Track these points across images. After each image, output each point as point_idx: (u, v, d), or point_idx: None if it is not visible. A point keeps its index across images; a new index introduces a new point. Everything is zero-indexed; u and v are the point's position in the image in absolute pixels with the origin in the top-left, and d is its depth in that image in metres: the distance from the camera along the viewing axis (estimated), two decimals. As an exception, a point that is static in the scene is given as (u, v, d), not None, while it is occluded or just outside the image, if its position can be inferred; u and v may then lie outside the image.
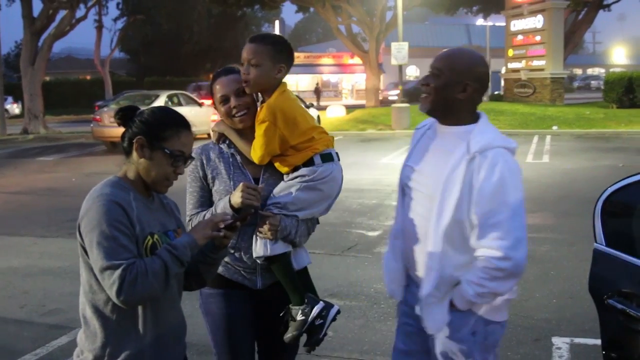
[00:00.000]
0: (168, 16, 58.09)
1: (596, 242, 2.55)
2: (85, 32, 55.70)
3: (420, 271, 2.84)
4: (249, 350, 3.19)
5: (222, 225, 2.51)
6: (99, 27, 49.14)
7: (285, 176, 3.08)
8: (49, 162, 20.11)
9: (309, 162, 3.05)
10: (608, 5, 40.28)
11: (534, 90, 33.51)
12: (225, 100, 3.03)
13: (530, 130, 23.87)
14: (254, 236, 3.00)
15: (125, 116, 2.55)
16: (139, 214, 2.43)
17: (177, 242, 2.44)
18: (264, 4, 41.23)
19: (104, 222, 2.32)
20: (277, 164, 3.07)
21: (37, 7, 32.69)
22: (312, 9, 45.92)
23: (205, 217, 2.92)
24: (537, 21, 33.33)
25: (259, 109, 3.03)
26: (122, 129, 2.56)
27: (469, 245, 2.67)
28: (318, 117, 25.76)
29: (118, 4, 55.24)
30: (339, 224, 9.86)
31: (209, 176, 3.08)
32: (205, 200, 3.10)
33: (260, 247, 2.98)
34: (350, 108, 36.99)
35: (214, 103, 3.13)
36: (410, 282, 2.98)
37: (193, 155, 2.88)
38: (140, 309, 2.45)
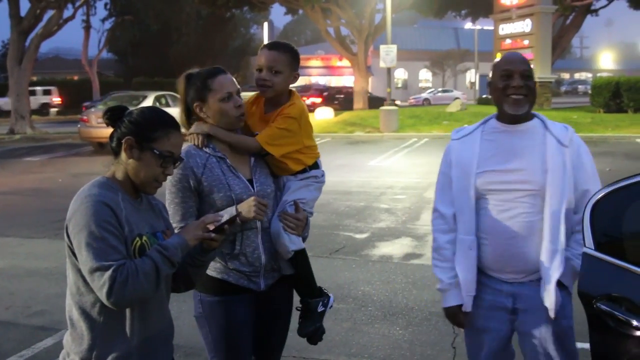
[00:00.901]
0: (156, 17, 57.82)
1: (585, 246, 2.55)
2: (73, 32, 55.54)
3: (518, 267, 2.95)
4: (248, 352, 3.19)
5: (212, 228, 2.50)
6: (87, 27, 49.07)
7: (292, 177, 3.19)
8: (36, 163, 20.00)
9: (314, 165, 3.25)
10: (596, 10, 40.55)
11: (521, 94, 33.57)
12: (229, 97, 3.00)
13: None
14: (280, 233, 3.04)
15: (113, 116, 2.53)
16: (127, 214, 2.41)
17: (168, 243, 2.41)
18: (253, 5, 41.14)
19: (92, 223, 2.29)
20: (289, 163, 3.14)
21: (25, 6, 32.52)
22: (300, 11, 45.87)
23: None
24: (525, 25, 33.51)
25: (286, 106, 3.11)
26: (109, 130, 2.54)
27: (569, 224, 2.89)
28: (306, 119, 25.67)
29: (106, 5, 54.91)
30: (326, 226, 9.84)
31: (203, 184, 2.96)
32: (193, 212, 2.99)
33: (293, 242, 3.05)
34: (339, 110, 36.98)
35: (197, 102, 3.03)
36: (493, 282, 3.05)
37: (184, 166, 2.90)
38: (128, 311, 2.42)
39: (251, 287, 3.08)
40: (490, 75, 3.06)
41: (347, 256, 8.21)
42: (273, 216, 3.10)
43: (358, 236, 9.29)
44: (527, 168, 2.92)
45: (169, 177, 2.82)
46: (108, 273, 2.24)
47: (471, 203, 3.01)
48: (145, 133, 2.47)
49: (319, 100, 42.35)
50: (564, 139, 2.93)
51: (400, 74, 75.37)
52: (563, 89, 75.72)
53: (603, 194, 2.61)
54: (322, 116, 33.83)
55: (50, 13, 32.83)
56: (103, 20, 56.41)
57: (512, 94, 2.93)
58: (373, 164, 17.62)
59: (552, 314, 2.85)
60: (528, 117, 3.00)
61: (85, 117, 22.23)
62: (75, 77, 62.88)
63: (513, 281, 3.00)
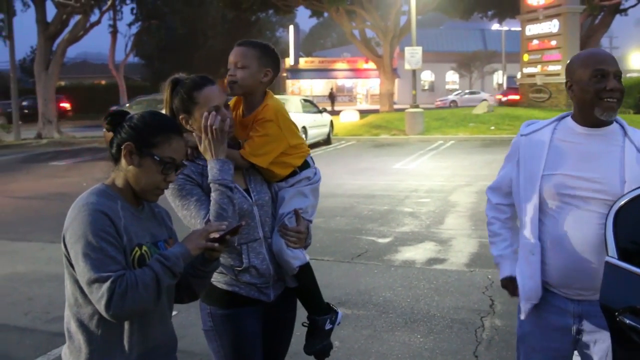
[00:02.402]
0: (182, 21, 58.10)
1: (608, 254, 2.41)
2: (101, 37, 55.96)
3: (584, 284, 2.73)
4: None
5: (216, 236, 2.40)
6: (114, 32, 49.29)
7: (283, 183, 3.02)
8: (61, 167, 20.11)
9: (304, 165, 3.08)
10: (625, 10, 40.02)
11: (549, 95, 33.30)
12: (216, 110, 2.81)
13: (545, 135, 23.54)
14: (282, 250, 2.92)
15: (113, 121, 2.44)
16: (126, 224, 2.31)
17: (169, 253, 2.31)
18: (278, 8, 41.24)
19: (89, 233, 2.20)
20: (275, 169, 2.98)
21: (52, 12, 32.85)
22: (326, 14, 45.86)
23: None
24: (552, 26, 33.17)
25: (260, 110, 2.94)
26: None
27: None
28: (331, 122, 25.61)
29: (132, 9, 55.22)
30: (348, 231, 9.73)
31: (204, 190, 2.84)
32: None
33: (297, 256, 2.94)
34: (364, 113, 36.91)
35: (182, 114, 2.85)
36: (555, 298, 2.84)
37: (184, 175, 2.81)
38: (127, 323, 2.33)
39: (261, 298, 2.98)
40: (571, 72, 2.81)
41: (369, 261, 8.08)
42: (274, 229, 2.98)
43: (381, 241, 9.16)
44: (603, 176, 2.68)
45: (171, 186, 2.73)
46: (106, 285, 2.14)
47: (535, 206, 2.80)
48: (145, 138, 2.37)
49: (516, 97, 39.17)
50: None
51: (426, 76, 75.03)
52: (592, 89, 74.65)
53: (626, 200, 2.46)
54: (347, 119, 33.79)
55: (76, 18, 33.11)
56: (130, 25, 56.71)
57: (608, 97, 2.67)
58: (398, 167, 17.46)
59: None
60: (608, 121, 2.76)
61: (110, 121, 22.33)
62: (103, 82, 63.34)
63: (581, 299, 2.77)
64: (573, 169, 2.73)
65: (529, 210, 2.82)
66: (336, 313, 3.15)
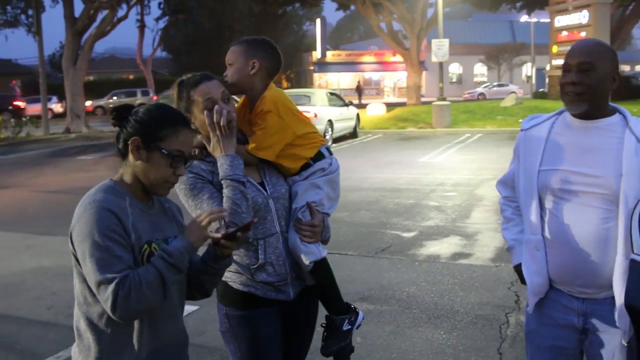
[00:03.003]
0: (210, 15, 58.31)
1: (634, 252, 2.31)
2: (129, 32, 56.37)
3: (587, 281, 2.64)
4: None
5: (220, 234, 2.34)
6: (141, 26, 49.73)
7: (297, 176, 2.93)
8: (89, 161, 20.27)
9: (318, 156, 2.95)
10: (656, 0, 39.32)
11: (579, 87, 32.86)
12: (212, 103, 2.77)
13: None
14: (296, 245, 2.83)
15: (119, 116, 2.38)
16: (134, 221, 2.26)
17: (172, 248, 2.25)
18: (304, 2, 41.30)
19: (96, 232, 2.15)
20: (285, 162, 2.90)
21: (79, 7, 33.11)
22: (353, 7, 45.71)
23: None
24: (582, 17, 32.76)
25: (258, 104, 2.85)
26: None
27: None
28: (357, 115, 25.50)
29: (160, 4, 55.58)
30: (373, 225, 9.65)
31: (217, 188, 2.78)
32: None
33: (311, 252, 2.83)
34: (391, 106, 36.76)
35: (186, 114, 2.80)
36: (560, 296, 2.77)
37: (192, 173, 2.77)
38: (136, 322, 2.29)
39: (280, 297, 2.89)
40: None
41: (393, 256, 8.00)
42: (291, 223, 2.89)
43: (405, 235, 9.06)
44: (599, 169, 2.59)
45: (182, 181, 2.68)
46: (111, 287, 2.10)
47: (535, 202, 2.73)
48: (152, 132, 2.31)
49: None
50: None
51: (454, 69, 74.50)
52: (623, 81, 73.89)
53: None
54: (374, 112, 33.66)
55: (104, 13, 33.34)
56: (157, 20, 57.13)
57: (569, 91, 2.63)
58: (424, 160, 17.33)
59: (625, 338, 2.56)
60: (607, 112, 2.66)
61: (137, 116, 22.37)
62: (131, 76, 63.83)
63: (585, 297, 2.69)
64: (569, 164, 2.66)
65: (531, 207, 2.76)
66: (357, 314, 3.04)
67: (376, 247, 8.44)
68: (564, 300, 2.74)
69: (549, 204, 2.71)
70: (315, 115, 20.04)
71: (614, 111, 2.68)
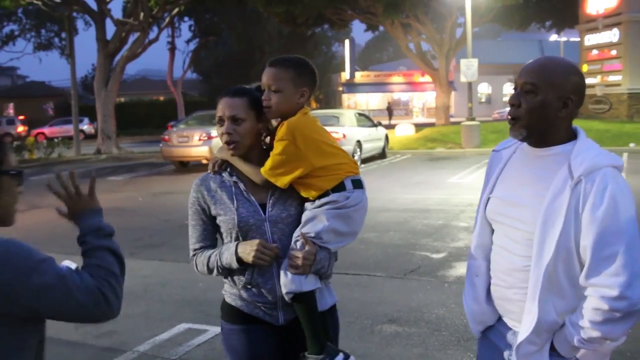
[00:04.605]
0: (239, 37, 58.85)
1: None
2: (160, 54, 56.98)
3: (514, 315, 2.51)
4: None
5: None
6: (172, 49, 50.26)
7: (309, 204, 2.82)
8: (119, 182, 20.42)
9: (339, 187, 2.80)
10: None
11: (610, 106, 32.56)
12: (220, 122, 2.85)
13: (605, 147, 22.76)
14: (282, 270, 2.75)
15: None
16: None
17: (96, 224, 2.25)
18: (333, 23, 41.33)
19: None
20: (301, 189, 2.82)
21: (112, 30, 33.57)
22: (381, 28, 45.81)
23: (212, 259, 2.83)
24: (612, 35, 32.48)
25: (279, 130, 2.80)
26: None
27: (575, 287, 2.34)
28: (386, 136, 25.45)
29: (190, 26, 56.25)
30: (402, 245, 9.58)
31: (212, 207, 2.87)
32: (209, 234, 2.92)
33: (290, 282, 2.71)
34: (420, 126, 36.68)
35: None
36: (499, 322, 2.65)
37: (193, 187, 2.87)
38: None
39: (267, 319, 2.85)
40: None
41: (422, 277, 7.92)
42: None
43: (435, 256, 8.98)
44: (529, 205, 2.39)
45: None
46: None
47: (482, 227, 2.64)
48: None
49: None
50: (577, 171, 2.29)
51: (483, 89, 74.16)
52: (655, 100, 73.14)
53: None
54: (403, 132, 33.61)
55: (135, 36, 33.75)
56: (188, 42, 57.77)
57: (508, 114, 2.45)
58: (453, 181, 17.21)
59: None
60: (561, 139, 2.42)
61: (166, 137, 22.47)
62: (161, 98, 64.46)
63: (514, 329, 2.53)
64: (506, 194, 2.53)
65: (478, 230, 2.67)
66: (336, 356, 2.77)
67: (405, 268, 8.36)
68: (502, 328, 2.63)
69: (486, 231, 2.64)
70: (344, 136, 20.03)
71: (572, 138, 2.44)
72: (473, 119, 27.30)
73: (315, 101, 68.05)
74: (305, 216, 2.79)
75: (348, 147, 19.55)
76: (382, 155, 24.58)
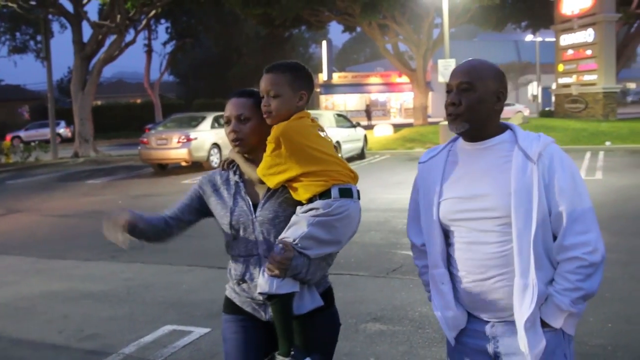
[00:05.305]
0: (216, 39, 58.69)
1: None
2: (136, 57, 56.68)
3: (495, 307, 2.60)
4: None
5: None
6: (149, 51, 50.01)
7: (299, 207, 2.81)
8: (97, 185, 20.30)
9: (326, 194, 2.76)
10: (662, 18, 39.37)
11: (585, 105, 32.89)
12: (227, 121, 2.96)
13: (582, 146, 23.30)
14: (261, 270, 2.78)
15: None
16: None
17: None
18: (311, 24, 41.38)
19: None
20: (292, 192, 2.83)
21: (88, 32, 33.35)
22: (358, 29, 45.91)
23: None
24: (587, 35, 32.80)
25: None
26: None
27: (549, 257, 2.53)
28: (365, 136, 25.51)
29: (167, 28, 55.91)
30: (383, 245, 9.62)
31: (210, 200, 3.04)
32: (192, 209, 3.09)
33: (265, 283, 2.71)
34: (398, 127, 36.78)
35: None
36: (469, 323, 2.71)
37: (204, 175, 2.96)
38: None
39: (255, 314, 2.95)
40: None
41: (405, 276, 7.95)
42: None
43: (416, 255, 8.99)
44: (492, 192, 2.53)
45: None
46: None
47: (438, 234, 2.68)
48: None
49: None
50: (533, 152, 2.51)
51: (460, 89, 74.63)
52: (629, 99, 73.81)
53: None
54: (382, 133, 33.71)
55: (112, 38, 33.57)
56: (164, 44, 57.45)
57: (450, 112, 2.60)
58: (432, 180, 17.25)
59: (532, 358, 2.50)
60: (495, 131, 2.62)
61: (145, 139, 22.35)
62: (138, 100, 64.11)
63: (494, 321, 2.64)
64: (462, 191, 2.62)
65: (434, 240, 2.70)
66: (302, 357, 2.77)
67: (387, 267, 8.40)
68: (476, 325, 2.69)
69: (452, 234, 2.67)
70: (323, 137, 20.04)
71: (504, 129, 2.66)
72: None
73: (293, 102, 67.91)
74: (291, 220, 2.79)
75: (327, 148, 19.53)
76: (361, 155, 24.64)
